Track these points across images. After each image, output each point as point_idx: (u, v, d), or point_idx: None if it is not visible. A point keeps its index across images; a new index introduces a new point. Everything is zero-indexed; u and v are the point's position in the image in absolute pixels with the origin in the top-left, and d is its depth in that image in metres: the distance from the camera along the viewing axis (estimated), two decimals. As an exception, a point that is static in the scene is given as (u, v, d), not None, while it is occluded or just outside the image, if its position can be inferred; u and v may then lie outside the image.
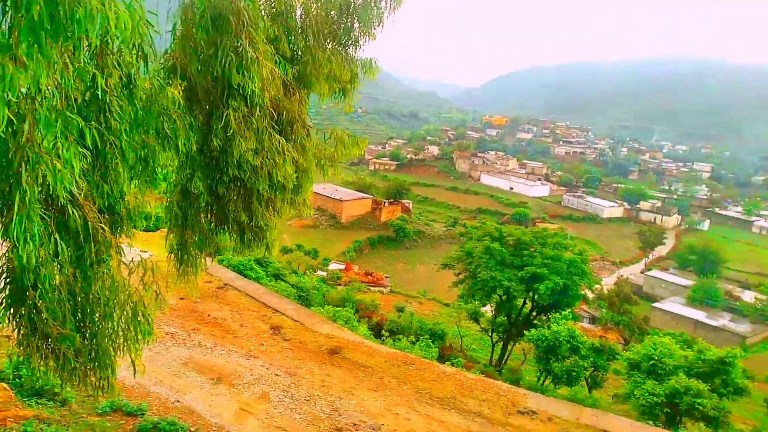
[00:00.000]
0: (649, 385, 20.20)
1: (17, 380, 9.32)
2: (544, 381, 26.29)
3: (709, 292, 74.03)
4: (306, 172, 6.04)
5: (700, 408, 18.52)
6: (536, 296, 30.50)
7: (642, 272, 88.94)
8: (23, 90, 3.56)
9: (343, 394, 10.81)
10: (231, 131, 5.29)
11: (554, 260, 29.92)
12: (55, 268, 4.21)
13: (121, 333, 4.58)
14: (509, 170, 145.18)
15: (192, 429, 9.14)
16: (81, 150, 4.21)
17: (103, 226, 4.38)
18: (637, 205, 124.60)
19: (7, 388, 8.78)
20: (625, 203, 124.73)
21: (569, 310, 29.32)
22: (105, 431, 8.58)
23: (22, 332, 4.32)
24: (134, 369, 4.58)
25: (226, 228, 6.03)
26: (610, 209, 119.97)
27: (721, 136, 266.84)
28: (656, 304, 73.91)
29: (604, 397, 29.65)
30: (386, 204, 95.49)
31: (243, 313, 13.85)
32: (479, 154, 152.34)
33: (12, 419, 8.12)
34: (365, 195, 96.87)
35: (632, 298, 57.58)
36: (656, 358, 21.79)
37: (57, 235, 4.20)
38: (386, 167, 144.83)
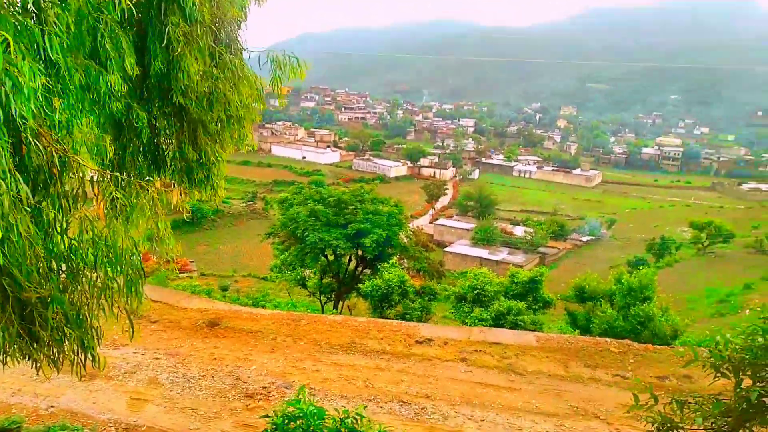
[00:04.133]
0: (477, 312, 22.27)
1: None
2: (381, 328, 27.47)
3: (488, 232, 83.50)
4: (249, 97, 5.40)
5: (522, 324, 20.95)
6: (362, 251, 31.53)
7: (431, 222, 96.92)
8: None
9: (240, 362, 10.19)
10: (178, 51, 4.51)
11: (375, 214, 31.10)
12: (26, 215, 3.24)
13: (114, 287, 3.73)
14: (299, 140, 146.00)
15: (87, 430, 7.88)
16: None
17: (78, 158, 3.48)
18: (418, 163, 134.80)
19: None
20: (408, 162, 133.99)
21: (395, 259, 30.88)
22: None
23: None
24: (132, 330, 3.80)
25: (165, 168, 5.18)
26: (396, 168, 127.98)
27: (479, 93, 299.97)
28: (447, 249, 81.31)
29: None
30: (175, 186, 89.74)
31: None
32: (267, 126, 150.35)
33: None
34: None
35: (428, 245, 62.47)
36: (479, 287, 23.79)
37: (17, 175, 3.23)
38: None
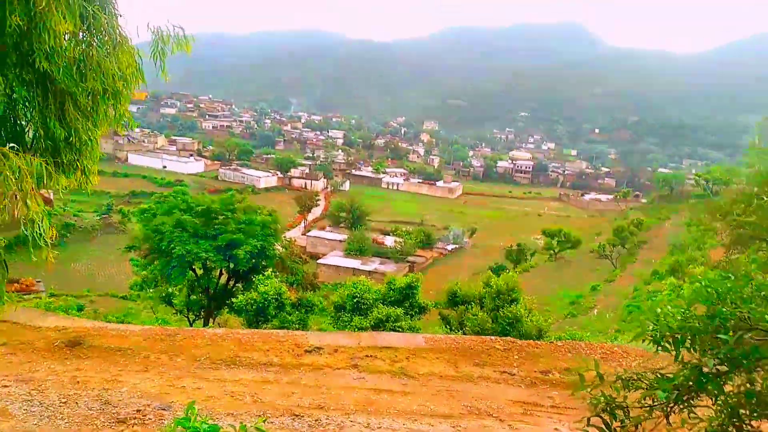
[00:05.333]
0: (357, 320, 22.07)
1: None
2: (257, 343, 26.33)
3: (360, 243, 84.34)
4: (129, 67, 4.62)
5: (400, 330, 21.06)
6: (234, 264, 30.04)
7: (303, 234, 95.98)
8: None
9: (108, 384, 8.99)
10: (42, 5, 3.70)
11: (248, 224, 29.84)
12: None
13: None
14: (159, 148, 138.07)
15: None
16: None
17: None
18: (289, 173, 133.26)
19: None
20: (278, 172, 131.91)
21: (271, 270, 29.79)
22: None
23: None
24: None
25: (25, 149, 4.25)
26: (266, 179, 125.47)
27: (346, 105, 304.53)
28: (320, 260, 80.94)
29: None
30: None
31: None
32: (123, 133, 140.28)
33: None
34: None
35: (302, 257, 61.85)
36: (358, 295, 23.58)
37: None
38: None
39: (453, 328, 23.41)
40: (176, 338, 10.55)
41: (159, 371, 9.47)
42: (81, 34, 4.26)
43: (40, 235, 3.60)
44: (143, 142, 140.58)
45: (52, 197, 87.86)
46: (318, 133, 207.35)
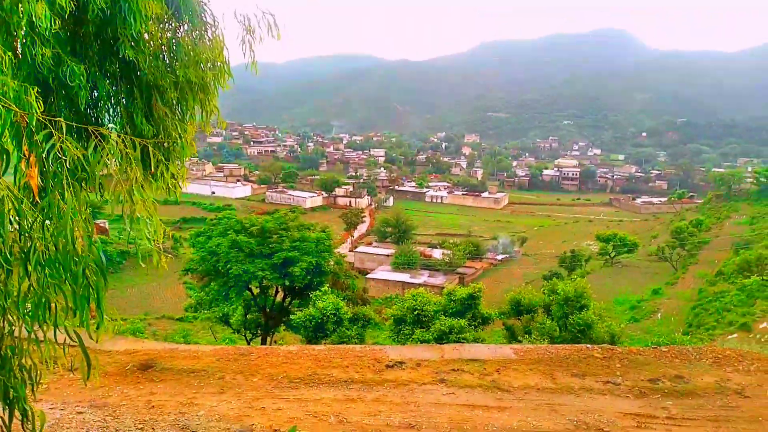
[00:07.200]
0: (419, 333, 21.32)
1: None
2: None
3: (408, 257, 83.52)
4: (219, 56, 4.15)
5: (464, 341, 20.22)
6: (290, 281, 29.85)
7: (351, 250, 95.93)
8: None
9: (184, 408, 8.56)
10: (126, -18, 3.28)
11: (302, 241, 29.70)
12: None
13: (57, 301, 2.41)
14: (207, 175, 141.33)
15: None
16: None
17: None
18: (333, 193, 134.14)
19: None
20: (323, 192, 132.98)
21: (326, 286, 29.47)
22: None
23: None
24: (87, 367, 2.43)
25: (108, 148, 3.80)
26: (311, 199, 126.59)
27: (386, 124, 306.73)
28: (369, 275, 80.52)
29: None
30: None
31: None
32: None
33: None
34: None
35: (351, 273, 61.68)
36: (418, 308, 22.84)
37: None
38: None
39: (518, 339, 22.39)
40: (250, 357, 10.10)
41: (236, 392, 9.01)
42: (166, 17, 3.83)
43: (149, 237, 3.10)
44: (192, 170, 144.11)
45: (107, 226, 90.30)
46: (360, 152, 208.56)
